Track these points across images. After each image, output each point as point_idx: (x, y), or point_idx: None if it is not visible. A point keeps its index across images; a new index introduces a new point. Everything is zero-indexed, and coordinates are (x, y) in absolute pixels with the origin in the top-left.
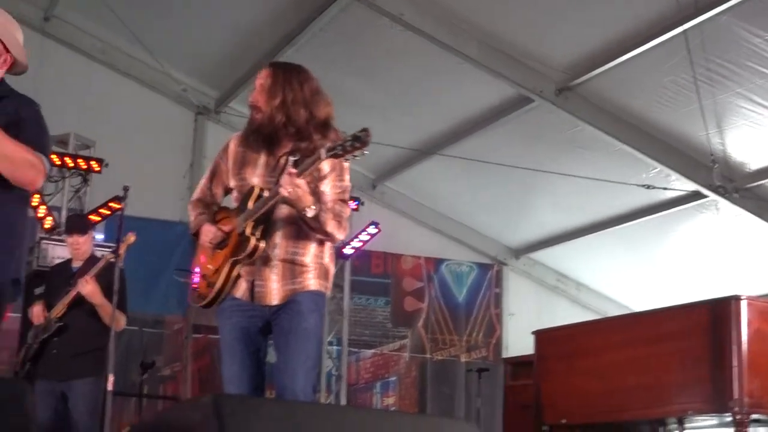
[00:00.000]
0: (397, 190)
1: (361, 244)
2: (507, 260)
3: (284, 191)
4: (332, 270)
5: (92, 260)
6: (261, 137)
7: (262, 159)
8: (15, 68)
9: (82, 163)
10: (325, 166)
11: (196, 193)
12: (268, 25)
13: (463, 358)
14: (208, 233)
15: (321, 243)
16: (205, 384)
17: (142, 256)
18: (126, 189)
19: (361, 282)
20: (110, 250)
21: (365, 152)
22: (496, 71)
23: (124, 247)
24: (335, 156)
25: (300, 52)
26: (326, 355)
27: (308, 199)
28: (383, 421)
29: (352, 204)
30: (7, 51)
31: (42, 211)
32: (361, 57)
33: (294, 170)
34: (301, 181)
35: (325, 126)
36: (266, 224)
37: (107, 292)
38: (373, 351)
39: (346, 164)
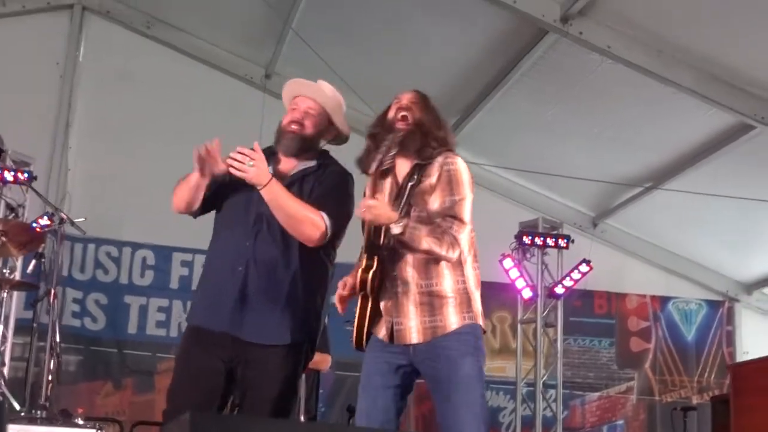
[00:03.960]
0: (618, 227)
1: (572, 283)
2: (738, 296)
3: (362, 215)
4: (476, 296)
5: None
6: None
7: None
8: (338, 139)
9: None
10: (432, 179)
11: None
12: (479, 66)
13: (695, 400)
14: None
15: (457, 267)
16: (429, 428)
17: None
18: None
19: (583, 323)
20: None
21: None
22: (713, 99)
23: None
24: None
25: (512, 90)
26: (540, 398)
27: (387, 216)
28: None
29: (562, 242)
30: (332, 124)
31: None
32: (574, 92)
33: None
34: (371, 201)
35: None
36: (384, 255)
37: None
38: (598, 394)
39: (462, 175)
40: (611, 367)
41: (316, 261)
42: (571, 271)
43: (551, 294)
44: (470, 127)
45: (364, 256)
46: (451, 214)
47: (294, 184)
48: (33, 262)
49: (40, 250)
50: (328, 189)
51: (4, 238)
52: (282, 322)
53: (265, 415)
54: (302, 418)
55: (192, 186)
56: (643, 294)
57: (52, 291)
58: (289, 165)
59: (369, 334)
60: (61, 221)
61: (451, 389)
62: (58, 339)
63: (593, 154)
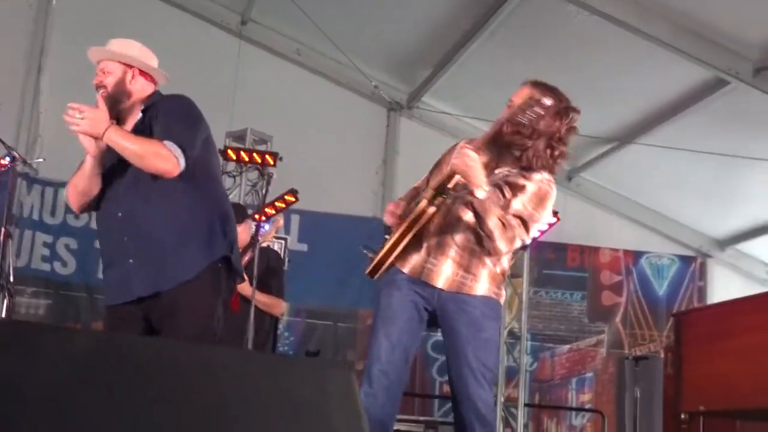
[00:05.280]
0: (593, 181)
1: (538, 234)
2: (711, 252)
3: (452, 160)
4: (503, 285)
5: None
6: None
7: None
8: (154, 78)
9: (257, 157)
10: (530, 185)
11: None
12: (455, 16)
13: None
14: (391, 206)
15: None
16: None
17: (335, 251)
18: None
19: (556, 276)
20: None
21: None
22: (689, 54)
23: (272, 232)
24: None
25: (489, 41)
26: (505, 349)
27: (478, 178)
28: (205, 356)
29: None
30: (143, 74)
31: None
32: (548, 44)
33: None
34: (472, 153)
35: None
36: (449, 202)
37: (265, 277)
38: (568, 346)
39: (550, 200)
40: (582, 320)
41: (192, 188)
42: None
43: None
44: (445, 79)
45: (430, 192)
46: (524, 220)
47: (137, 133)
48: None
49: None
50: (164, 119)
51: None
52: (181, 261)
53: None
54: None
55: (89, 173)
56: (616, 248)
57: (3, 231)
58: (130, 124)
59: (391, 265)
60: (14, 159)
61: (469, 348)
62: (11, 279)
63: None
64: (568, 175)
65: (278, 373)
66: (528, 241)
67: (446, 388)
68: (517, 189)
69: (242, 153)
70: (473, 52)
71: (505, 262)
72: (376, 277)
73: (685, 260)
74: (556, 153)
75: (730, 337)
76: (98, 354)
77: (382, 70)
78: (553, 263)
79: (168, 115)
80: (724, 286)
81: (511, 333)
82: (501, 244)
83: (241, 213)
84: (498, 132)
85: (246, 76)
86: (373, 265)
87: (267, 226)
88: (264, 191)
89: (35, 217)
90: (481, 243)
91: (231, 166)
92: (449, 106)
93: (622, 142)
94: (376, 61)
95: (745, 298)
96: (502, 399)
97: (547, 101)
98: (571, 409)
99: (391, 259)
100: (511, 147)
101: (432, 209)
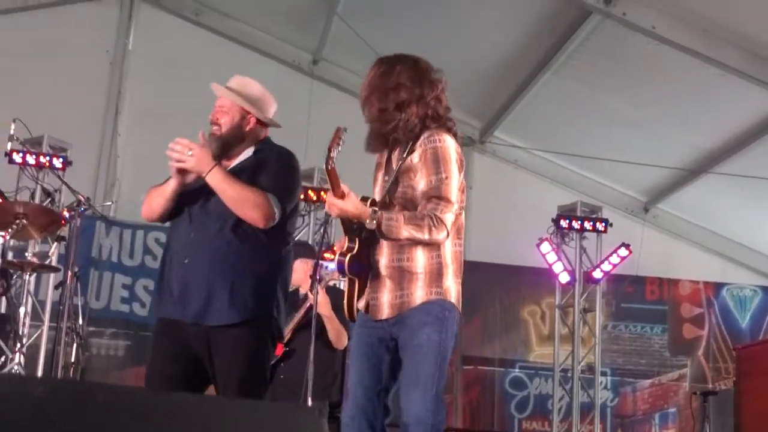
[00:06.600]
0: (670, 212)
1: (611, 267)
2: None
3: (329, 212)
4: (449, 271)
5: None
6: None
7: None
8: (270, 126)
9: (324, 195)
10: (415, 156)
11: None
12: (524, 50)
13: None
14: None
15: (434, 243)
16: (476, 415)
17: None
18: None
19: (635, 309)
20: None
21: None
22: (762, 80)
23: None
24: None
25: (558, 74)
26: (579, 384)
27: (358, 212)
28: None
29: (600, 225)
30: (258, 121)
31: None
32: (620, 74)
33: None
34: (337, 201)
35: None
36: (364, 234)
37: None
38: (650, 381)
39: (449, 153)
40: (663, 353)
41: (266, 242)
42: (610, 255)
43: (589, 279)
44: (517, 112)
45: (345, 238)
46: (436, 195)
47: (243, 170)
48: (54, 245)
49: (60, 233)
50: (269, 172)
51: (24, 221)
52: (233, 302)
53: (234, 394)
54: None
55: (169, 197)
56: (696, 280)
57: (69, 274)
58: (229, 162)
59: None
60: (79, 203)
61: (404, 357)
62: (80, 321)
63: (642, 138)
64: (645, 206)
65: (246, 418)
66: (454, 201)
67: (525, 425)
68: (411, 170)
69: (310, 192)
70: (543, 86)
71: (448, 248)
72: (354, 319)
73: None
74: (430, 110)
75: None
76: (52, 401)
77: (455, 106)
78: (632, 296)
79: (275, 170)
80: None
81: (587, 368)
82: (430, 236)
83: (302, 251)
84: (372, 126)
85: (318, 114)
86: (347, 314)
87: (330, 265)
88: (322, 230)
89: (114, 259)
90: (403, 254)
91: (300, 206)
92: (521, 140)
93: (698, 171)
94: (447, 96)
95: None
96: None
97: (390, 72)
98: None
99: (354, 305)
100: (387, 131)
101: (348, 258)
